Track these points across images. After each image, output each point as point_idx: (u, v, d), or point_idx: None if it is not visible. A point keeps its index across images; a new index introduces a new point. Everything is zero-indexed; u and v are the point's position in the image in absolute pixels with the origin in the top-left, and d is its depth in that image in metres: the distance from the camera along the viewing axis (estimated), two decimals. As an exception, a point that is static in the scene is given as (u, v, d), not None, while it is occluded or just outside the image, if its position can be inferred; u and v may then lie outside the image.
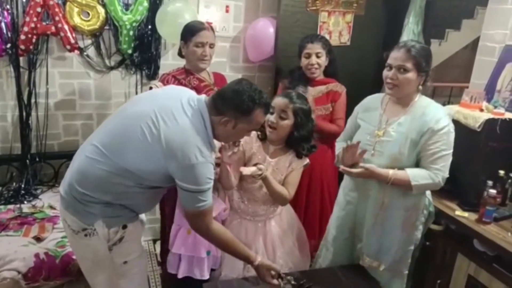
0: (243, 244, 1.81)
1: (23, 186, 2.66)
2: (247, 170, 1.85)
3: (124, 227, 1.63)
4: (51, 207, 2.52)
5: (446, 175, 1.89)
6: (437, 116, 1.85)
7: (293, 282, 1.82)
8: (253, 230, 2.09)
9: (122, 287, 1.74)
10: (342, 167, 1.98)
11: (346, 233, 2.18)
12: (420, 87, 1.91)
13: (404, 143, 1.89)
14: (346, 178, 2.18)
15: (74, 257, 2.07)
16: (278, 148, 2.04)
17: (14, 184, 2.69)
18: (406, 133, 1.90)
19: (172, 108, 1.52)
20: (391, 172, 1.88)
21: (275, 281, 1.77)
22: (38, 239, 2.19)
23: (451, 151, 1.88)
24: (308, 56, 2.52)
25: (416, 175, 1.87)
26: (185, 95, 1.60)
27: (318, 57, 2.51)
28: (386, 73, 1.92)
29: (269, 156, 2.02)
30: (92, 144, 1.57)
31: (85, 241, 1.60)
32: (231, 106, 1.54)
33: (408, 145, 1.88)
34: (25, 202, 2.56)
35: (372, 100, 2.11)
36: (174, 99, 1.57)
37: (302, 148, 2.00)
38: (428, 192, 2.07)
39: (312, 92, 2.56)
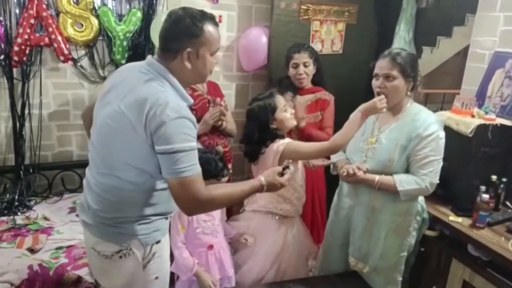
0: (242, 185, 1.63)
1: (16, 197, 2.64)
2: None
3: (158, 242, 1.56)
4: (45, 218, 2.51)
5: (435, 181, 1.90)
6: (426, 122, 1.88)
7: None
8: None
9: None
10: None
11: (340, 239, 2.19)
12: (409, 93, 1.94)
13: (394, 149, 1.91)
14: (340, 184, 2.20)
15: (68, 268, 2.06)
16: None
17: (7, 195, 2.67)
18: (396, 139, 1.92)
19: (129, 88, 1.43)
20: (377, 177, 1.92)
21: (285, 177, 1.65)
22: (31, 250, 2.17)
23: (440, 157, 1.90)
24: (296, 66, 2.55)
25: (402, 181, 1.89)
26: (135, 69, 1.49)
27: (305, 66, 2.54)
28: (374, 82, 1.96)
29: None
30: (92, 173, 1.53)
31: (119, 263, 1.51)
32: (180, 37, 1.43)
33: (398, 151, 1.91)
34: (19, 213, 2.54)
35: None
36: (127, 80, 1.47)
37: None
38: (421, 198, 2.08)
39: (300, 101, 2.58)
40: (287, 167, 1.70)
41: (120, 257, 1.50)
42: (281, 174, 1.64)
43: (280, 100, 2.08)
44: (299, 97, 2.59)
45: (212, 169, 1.96)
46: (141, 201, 1.48)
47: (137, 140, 1.38)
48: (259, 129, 2.04)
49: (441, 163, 1.90)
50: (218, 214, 2.09)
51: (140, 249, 1.51)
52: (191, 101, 1.50)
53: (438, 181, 1.91)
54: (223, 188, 1.56)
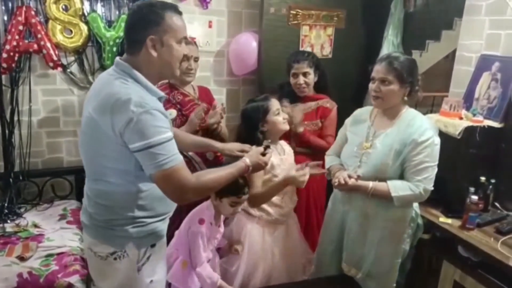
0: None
1: (6, 205, 2.61)
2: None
3: (153, 245, 1.57)
4: (36, 226, 2.48)
5: (429, 187, 1.88)
6: (421, 128, 1.87)
7: None
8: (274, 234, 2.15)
9: None
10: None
11: (333, 244, 2.19)
12: (406, 98, 1.94)
13: (388, 154, 1.91)
14: (334, 190, 2.20)
15: (59, 275, 2.04)
16: None
17: (-3, 203, 2.65)
18: (391, 144, 1.91)
19: (96, 92, 1.45)
20: (371, 184, 1.91)
21: (268, 156, 1.75)
22: (22, 258, 2.15)
23: (435, 163, 1.88)
24: (296, 76, 2.53)
25: (396, 187, 1.88)
26: (104, 73, 1.51)
27: (305, 76, 2.52)
28: (370, 85, 1.96)
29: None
30: (87, 180, 1.56)
31: (114, 265, 1.53)
32: (142, 26, 1.42)
33: (392, 155, 1.90)
34: (9, 221, 2.51)
35: (361, 113, 2.15)
36: (96, 85, 1.50)
37: None
38: (415, 205, 2.08)
39: (301, 107, 2.57)
40: (268, 146, 1.79)
41: (115, 258, 1.51)
42: (263, 154, 1.73)
43: (274, 104, 2.10)
44: (301, 104, 2.57)
45: (231, 187, 1.83)
46: (132, 203, 1.49)
47: (110, 142, 1.38)
48: (248, 129, 2.09)
49: (436, 170, 1.89)
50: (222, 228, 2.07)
51: (134, 252, 1.52)
52: (161, 94, 1.48)
53: (432, 188, 1.89)
54: (212, 173, 1.54)
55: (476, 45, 2.53)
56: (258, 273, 2.10)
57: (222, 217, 2.08)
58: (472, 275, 2.02)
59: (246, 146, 1.95)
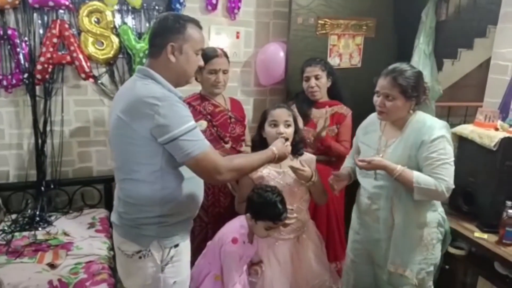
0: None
1: (37, 213, 2.67)
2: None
3: (176, 246, 1.63)
4: (65, 234, 2.52)
5: (451, 185, 1.81)
6: (430, 128, 1.83)
7: None
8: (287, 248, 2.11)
9: None
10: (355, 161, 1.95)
11: (364, 258, 2.12)
12: (411, 111, 1.90)
13: (403, 161, 1.85)
14: (356, 202, 2.14)
15: (87, 283, 2.06)
16: None
17: (29, 211, 2.71)
18: (404, 151, 1.88)
19: (121, 96, 1.59)
20: (398, 167, 1.83)
21: (288, 148, 1.87)
22: (52, 266, 2.19)
23: (451, 159, 1.82)
24: (308, 79, 2.56)
25: (420, 178, 1.80)
26: (126, 82, 1.68)
27: (317, 79, 2.54)
28: (375, 98, 1.93)
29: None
30: (117, 182, 1.67)
31: (139, 264, 1.60)
32: (164, 33, 1.55)
33: (407, 162, 1.85)
34: (40, 228, 2.57)
35: (371, 122, 2.10)
36: (121, 91, 1.67)
37: None
38: (441, 209, 2.00)
39: (316, 114, 2.58)
40: (287, 139, 1.90)
41: (140, 257, 1.60)
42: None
43: (274, 113, 2.07)
44: (315, 111, 2.59)
45: (269, 212, 1.89)
46: (158, 202, 1.56)
47: (138, 139, 1.49)
48: (257, 130, 2.18)
49: (453, 166, 1.82)
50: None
51: (158, 251, 1.60)
52: (179, 94, 1.58)
53: (453, 186, 1.82)
54: (243, 157, 1.72)
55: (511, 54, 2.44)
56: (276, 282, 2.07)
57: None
58: (510, 293, 1.93)
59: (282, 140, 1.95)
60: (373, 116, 2.09)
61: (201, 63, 1.66)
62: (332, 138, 2.57)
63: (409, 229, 1.92)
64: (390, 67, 1.92)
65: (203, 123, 2.35)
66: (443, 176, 1.79)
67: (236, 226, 1.99)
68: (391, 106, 1.85)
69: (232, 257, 1.92)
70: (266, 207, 1.90)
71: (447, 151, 1.81)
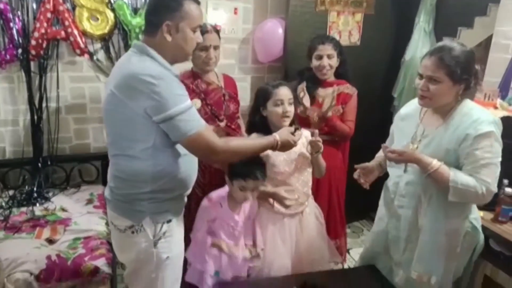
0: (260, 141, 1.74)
1: (35, 189, 2.67)
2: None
3: (169, 221, 1.64)
4: (63, 210, 2.53)
5: (494, 188, 1.64)
6: (478, 121, 1.63)
7: None
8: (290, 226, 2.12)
9: (159, 284, 1.70)
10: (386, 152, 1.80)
11: (380, 248, 2.06)
12: (459, 97, 1.70)
13: (438, 156, 1.69)
14: (383, 191, 2.04)
15: (86, 258, 2.08)
16: None
17: (26, 187, 2.71)
18: (441, 144, 1.71)
19: (116, 71, 1.56)
20: (435, 162, 1.66)
21: (297, 136, 1.79)
22: (50, 241, 2.20)
23: (498, 160, 1.65)
24: (320, 57, 2.48)
25: (458, 177, 1.64)
26: (122, 57, 1.64)
27: (329, 58, 2.47)
28: (417, 81, 1.73)
29: None
30: (109, 158, 1.65)
31: (132, 239, 1.62)
32: (160, 11, 1.51)
33: (443, 157, 1.68)
34: (37, 204, 2.58)
35: (411, 109, 1.94)
36: (116, 66, 1.63)
37: None
38: (473, 216, 1.86)
39: (322, 94, 2.53)
40: (297, 128, 1.82)
41: (132, 232, 1.61)
42: (292, 134, 1.76)
43: (280, 93, 1.99)
44: (321, 90, 2.53)
45: (240, 169, 1.87)
46: (149, 178, 1.55)
47: (133, 114, 1.46)
48: (253, 110, 2.11)
49: (499, 168, 1.65)
50: (241, 219, 2.03)
51: (151, 227, 1.60)
52: (175, 72, 1.55)
53: (496, 190, 1.65)
54: (241, 140, 1.69)
55: (514, 31, 2.41)
56: (276, 264, 2.09)
57: (247, 208, 2.06)
58: (504, 269, 1.95)
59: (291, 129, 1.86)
60: (414, 102, 1.90)
61: (200, 39, 1.62)
62: (337, 118, 2.53)
63: (437, 235, 1.79)
64: (437, 45, 1.70)
65: (197, 102, 2.30)
66: (485, 177, 1.63)
67: (220, 191, 2.05)
68: (436, 90, 1.65)
69: (202, 210, 2.00)
70: (237, 164, 1.87)
71: (494, 150, 1.63)
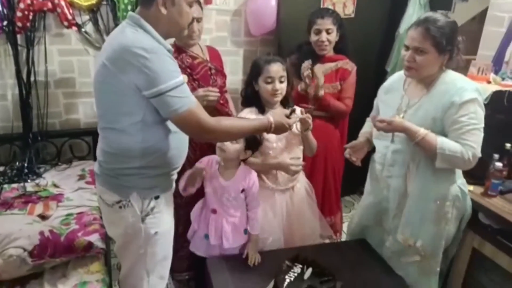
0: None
1: (26, 165, 2.65)
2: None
3: (157, 197, 1.63)
4: (55, 186, 2.52)
5: (478, 153, 1.70)
6: (462, 89, 1.69)
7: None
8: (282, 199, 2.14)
9: (148, 260, 1.71)
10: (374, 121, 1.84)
11: (370, 222, 2.11)
12: (444, 67, 1.76)
13: (425, 124, 1.74)
14: (370, 167, 2.08)
15: (79, 234, 2.08)
16: None
17: (17, 163, 2.68)
18: (427, 113, 1.76)
19: (109, 43, 1.52)
20: (422, 130, 1.71)
21: (292, 119, 1.76)
22: (43, 217, 2.20)
23: (481, 126, 1.71)
24: (318, 32, 2.40)
25: (445, 143, 1.69)
26: (116, 29, 1.58)
27: (328, 33, 2.39)
28: (403, 52, 1.77)
29: None
30: (99, 131, 1.62)
31: (119, 213, 1.62)
32: None
33: (430, 125, 1.73)
34: (29, 180, 2.56)
35: (393, 81, 1.99)
36: (109, 37, 1.58)
37: None
38: (460, 181, 1.92)
39: (321, 69, 2.47)
40: (293, 110, 1.78)
41: (120, 207, 1.60)
42: (288, 118, 1.74)
43: (270, 69, 1.98)
44: (320, 65, 2.47)
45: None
46: (137, 153, 1.54)
47: (123, 87, 1.43)
48: (246, 83, 2.12)
49: (482, 134, 1.71)
50: (233, 191, 2.03)
51: (138, 202, 1.60)
52: (168, 47, 1.51)
53: (480, 155, 1.72)
54: (233, 120, 1.66)
55: (509, 4, 2.38)
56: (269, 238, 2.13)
57: (238, 174, 2.05)
58: (491, 242, 1.99)
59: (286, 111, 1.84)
60: (397, 75, 1.97)
61: (195, 14, 1.58)
62: (334, 95, 2.48)
63: (425, 201, 1.85)
64: (422, 16, 1.74)
65: (184, 77, 2.24)
66: (471, 142, 1.68)
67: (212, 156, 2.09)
68: (422, 60, 1.69)
69: (197, 165, 2.01)
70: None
71: (478, 116, 1.69)
